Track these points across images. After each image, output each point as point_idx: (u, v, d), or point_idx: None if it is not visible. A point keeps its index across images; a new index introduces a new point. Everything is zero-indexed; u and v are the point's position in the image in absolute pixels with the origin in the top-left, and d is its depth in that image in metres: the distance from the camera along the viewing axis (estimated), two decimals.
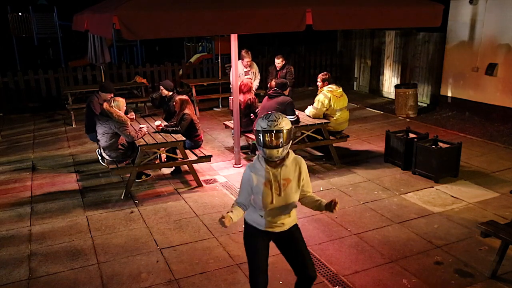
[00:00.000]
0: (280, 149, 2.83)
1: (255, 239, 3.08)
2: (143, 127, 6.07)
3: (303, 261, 3.04)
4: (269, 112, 2.94)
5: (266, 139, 2.82)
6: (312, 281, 3.06)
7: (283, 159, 2.93)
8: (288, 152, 2.95)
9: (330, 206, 2.86)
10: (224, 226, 2.85)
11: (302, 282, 3.10)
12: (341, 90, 6.84)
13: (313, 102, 6.83)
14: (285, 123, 2.85)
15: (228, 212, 2.95)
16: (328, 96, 6.68)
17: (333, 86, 6.77)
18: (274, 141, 2.82)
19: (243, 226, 3.20)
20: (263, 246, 3.07)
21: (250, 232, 3.11)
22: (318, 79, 6.94)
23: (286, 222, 3.03)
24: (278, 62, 8.40)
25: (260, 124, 2.87)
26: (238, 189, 3.10)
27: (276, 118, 2.85)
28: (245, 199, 3.04)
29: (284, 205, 2.95)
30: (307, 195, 3.07)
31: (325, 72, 7.06)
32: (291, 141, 2.92)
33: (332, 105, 6.68)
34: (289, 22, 5.11)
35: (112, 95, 6.77)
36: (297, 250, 3.06)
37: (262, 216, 2.99)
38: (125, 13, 4.35)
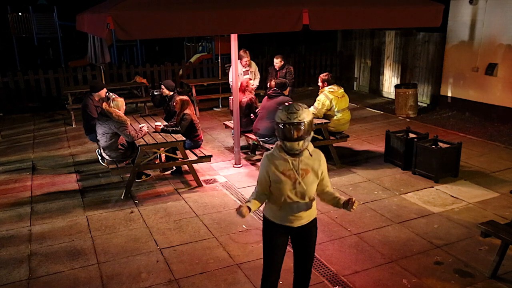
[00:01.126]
0: (301, 142, 2.77)
1: (273, 237, 3.03)
2: (143, 126, 6.08)
3: (307, 260, 3.10)
4: (289, 103, 2.86)
5: (287, 131, 2.75)
6: (308, 274, 3.12)
7: (303, 150, 2.87)
8: (308, 143, 2.89)
9: (348, 205, 2.84)
10: (242, 216, 2.79)
11: (299, 277, 3.14)
12: (343, 90, 6.83)
13: (314, 102, 6.83)
14: (306, 114, 2.77)
15: (246, 202, 2.92)
16: (329, 97, 6.66)
17: (334, 87, 6.76)
18: (295, 133, 2.74)
19: (261, 222, 3.16)
20: (280, 246, 3.04)
21: (269, 228, 3.05)
22: (319, 80, 6.94)
23: (305, 215, 2.96)
24: (277, 62, 8.39)
25: (280, 116, 2.79)
26: (254, 183, 3.02)
27: (296, 109, 2.75)
28: (264, 188, 2.97)
29: (302, 196, 2.89)
30: (325, 190, 3.03)
31: (326, 73, 7.02)
32: (312, 132, 2.85)
33: (334, 106, 6.67)
34: (285, 22, 5.10)
35: (106, 90, 6.83)
36: (307, 250, 3.08)
37: (280, 209, 2.94)
38: (119, 13, 4.36)
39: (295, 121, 2.73)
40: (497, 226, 3.88)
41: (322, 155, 2.98)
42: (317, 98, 6.80)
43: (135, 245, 4.60)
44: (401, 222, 4.98)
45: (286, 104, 2.86)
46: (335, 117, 6.73)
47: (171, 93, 6.88)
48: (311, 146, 2.93)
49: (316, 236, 3.11)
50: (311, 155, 2.90)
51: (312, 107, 6.80)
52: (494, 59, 8.82)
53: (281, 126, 2.77)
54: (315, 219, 3.08)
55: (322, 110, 6.68)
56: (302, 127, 2.74)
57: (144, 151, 5.77)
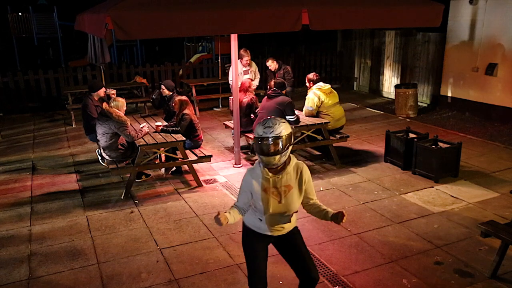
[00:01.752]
0: (278, 156, 2.70)
1: (253, 243, 3.02)
2: (144, 126, 6.08)
3: (304, 264, 3.00)
4: (267, 118, 2.82)
5: (263, 146, 2.70)
6: (315, 282, 3.04)
7: (284, 165, 2.82)
8: (290, 158, 2.84)
9: (337, 218, 2.78)
10: (219, 223, 2.74)
11: (305, 284, 3.07)
12: (329, 86, 6.90)
13: (304, 103, 6.90)
14: (283, 128, 2.72)
15: (225, 212, 2.86)
16: (317, 93, 6.74)
17: (320, 84, 6.84)
18: (272, 148, 2.68)
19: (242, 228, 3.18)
20: (261, 250, 3.02)
21: (248, 235, 3.04)
22: (306, 80, 7.05)
23: (286, 226, 2.97)
24: (269, 64, 8.39)
25: (257, 130, 2.75)
26: (238, 191, 3.05)
27: (273, 124, 2.71)
28: (244, 204, 2.94)
29: (285, 211, 2.87)
30: (310, 202, 2.97)
31: (313, 73, 7.11)
32: (290, 147, 2.79)
33: (324, 101, 6.71)
34: (285, 22, 5.10)
35: (105, 89, 6.86)
36: (297, 253, 3.02)
37: (261, 220, 2.93)
38: (118, 13, 4.36)
39: (271, 135, 2.69)
40: (497, 226, 3.88)
41: (305, 168, 2.92)
42: (306, 97, 6.89)
43: (135, 245, 4.60)
44: (401, 222, 4.98)
45: (262, 117, 2.85)
46: (329, 115, 6.75)
47: (171, 93, 6.90)
48: (293, 160, 2.88)
49: (301, 236, 3.07)
50: (293, 169, 2.85)
51: (304, 108, 6.85)
52: (494, 59, 8.82)
53: (258, 140, 2.74)
54: (295, 227, 3.07)
55: (314, 107, 6.72)
56: (279, 142, 2.69)
57: (144, 151, 5.77)
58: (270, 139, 2.69)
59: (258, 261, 3.01)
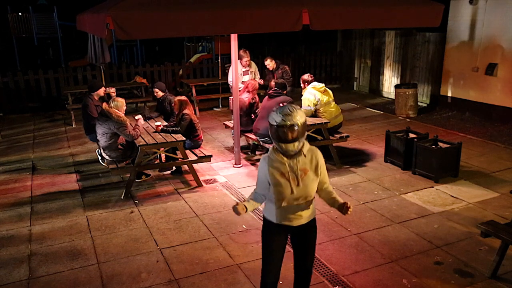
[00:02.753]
0: (296, 143, 2.77)
1: (272, 238, 3.03)
2: (139, 119, 6.07)
3: (306, 259, 3.09)
4: (283, 105, 2.85)
5: (281, 133, 2.74)
6: (309, 275, 3.12)
7: (299, 150, 2.86)
8: (303, 143, 2.88)
9: (343, 208, 2.85)
10: (237, 213, 2.82)
11: (300, 277, 3.15)
12: (324, 85, 6.92)
13: (301, 104, 6.93)
14: (300, 116, 2.77)
15: (244, 201, 2.93)
16: (313, 92, 6.77)
17: (315, 83, 6.88)
18: (290, 135, 2.73)
19: (261, 222, 3.16)
20: (279, 246, 3.04)
21: (267, 228, 3.05)
22: (301, 81, 7.09)
23: (304, 215, 2.96)
24: (268, 63, 8.41)
25: (274, 118, 2.77)
26: (256, 180, 3.04)
27: (290, 111, 2.74)
28: (263, 190, 2.97)
29: (303, 196, 2.88)
30: (324, 187, 3.03)
31: (307, 74, 7.15)
32: (306, 133, 2.85)
33: (320, 99, 6.74)
34: (285, 22, 5.11)
35: (104, 88, 6.87)
36: (306, 250, 3.07)
37: (279, 209, 2.93)
38: (118, 13, 4.36)
39: (289, 123, 2.72)
40: (497, 226, 3.88)
41: (319, 152, 2.97)
42: (302, 98, 6.93)
43: (135, 245, 4.60)
44: (401, 222, 4.98)
45: (280, 105, 2.85)
46: (326, 112, 6.76)
47: (164, 94, 6.97)
48: (306, 145, 2.92)
49: (315, 236, 3.10)
50: (305, 156, 2.89)
51: (302, 108, 6.86)
52: (494, 59, 8.81)
53: (275, 128, 2.77)
54: (314, 219, 3.07)
55: (312, 105, 6.73)
56: (297, 129, 2.74)
57: (144, 151, 5.76)
58: (290, 126, 2.73)
59: (273, 255, 3.05)
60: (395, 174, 6.38)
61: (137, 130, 5.92)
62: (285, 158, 2.85)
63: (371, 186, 5.98)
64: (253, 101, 6.92)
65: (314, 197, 3.01)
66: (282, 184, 2.84)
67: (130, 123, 5.95)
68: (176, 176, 6.46)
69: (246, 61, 8.26)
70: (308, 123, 6.56)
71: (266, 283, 3.11)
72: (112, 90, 6.95)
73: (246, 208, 2.90)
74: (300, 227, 2.99)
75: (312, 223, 3.05)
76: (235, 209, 2.82)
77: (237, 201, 2.86)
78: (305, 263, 3.10)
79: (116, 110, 5.79)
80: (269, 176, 2.87)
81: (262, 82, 8.47)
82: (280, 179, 2.84)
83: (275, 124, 2.77)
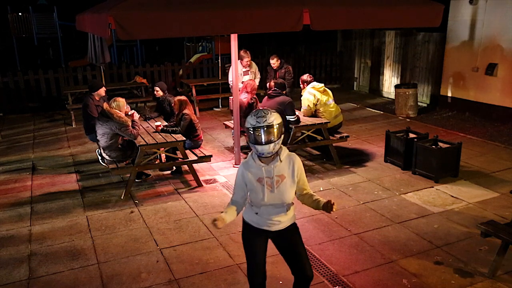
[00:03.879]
0: (272, 145, 2.79)
1: (252, 239, 3.06)
2: (133, 112, 6.05)
3: (300, 263, 3.03)
4: (257, 109, 2.91)
5: (257, 135, 2.79)
6: (309, 281, 3.07)
7: (276, 155, 2.89)
8: (281, 148, 2.92)
9: (327, 207, 2.83)
10: (217, 227, 2.81)
11: (299, 282, 3.11)
12: (323, 85, 6.92)
13: (301, 104, 6.93)
14: (275, 118, 2.81)
15: (221, 213, 2.93)
16: (312, 92, 6.78)
17: (314, 83, 6.88)
18: (265, 137, 2.78)
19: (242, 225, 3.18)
20: (260, 246, 3.06)
21: (247, 231, 3.09)
22: (300, 81, 7.10)
23: (283, 220, 2.99)
24: (273, 62, 8.40)
25: (249, 121, 2.84)
26: (233, 186, 3.08)
27: (265, 113, 2.80)
28: (240, 197, 3.01)
29: (278, 202, 2.92)
30: (304, 193, 3.03)
31: (307, 74, 7.16)
32: (282, 136, 2.88)
33: (320, 99, 6.75)
34: (286, 22, 5.11)
35: (105, 89, 6.87)
36: (294, 252, 3.05)
37: (257, 214, 2.97)
38: (120, 13, 4.36)
39: (264, 125, 2.77)
40: (497, 226, 3.88)
41: (297, 158, 2.98)
42: (301, 98, 6.93)
43: (135, 245, 4.60)
44: (401, 222, 4.98)
45: (255, 110, 2.90)
46: (326, 111, 6.77)
47: (164, 94, 6.99)
48: (285, 151, 2.95)
49: (299, 235, 3.09)
50: (285, 159, 2.92)
51: (302, 108, 6.87)
52: (494, 59, 8.81)
53: (250, 130, 2.81)
54: (294, 223, 3.09)
55: (311, 105, 6.73)
56: (272, 130, 2.78)
57: (144, 151, 5.77)
58: (264, 128, 2.77)
59: (256, 258, 3.06)
60: (395, 174, 6.38)
61: (136, 127, 5.92)
62: (262, 164, 2.88)
63: (371, 186, 5.98)
64: (252, 101, 6.91)
65: (293, 203, 3.03)
66: (259, 190, 2.88)
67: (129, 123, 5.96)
68: (176, 176, 6.46)
69: (247, 61, 8.26)
70: (308, 123, 6.65)
71: (254, 283, 3.11)
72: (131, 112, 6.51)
73: (225, 220, 2.87)
74: (279, 232, 3.02)
75: (291, 227, 3.06)
76: (214, 224, 2.80)
77: (215, 217, 2.84)
78: (300, 263, 3.03)
79: (117, 111, 5.78)
80: (247, 181, 2.92)
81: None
82: (257, 185, 2.89)
83: (250, 126, 2.82)
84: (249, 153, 3.00)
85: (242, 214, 3.12)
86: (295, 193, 3.02)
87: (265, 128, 2.77)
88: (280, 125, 2.84)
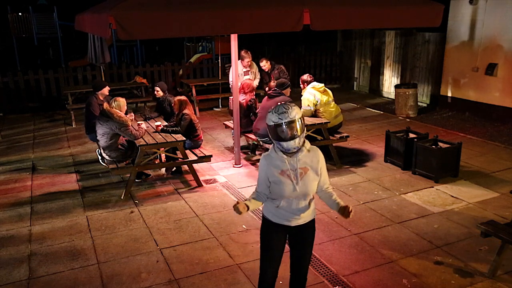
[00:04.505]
0: (297, 139, 2.77)
1: (270, 236, 3.03)
2: (141, 124, 6.08)
3: (302, 261, 3.07)
4: (278, 104, 2.85)
5: (280, 132, 2.75)
6: (302, 280, 3.12)
7: (300, 148, 2.86)
8: (304, 141, 2.89)
9: (344, 212, 2.82)
10: (238, 212, 2.79)
11: (294, 279, 3.16)
12: (323, 85, 6.93)
13: (301, 104, 6.94)
14: (296, 112, 2.77)
15: (245, 200, 2.91)
16: (312, 92, 6.79)
17: (314, 83, 6.89)
18: (289, 132, 2.74)
19: (260, 220, 3.15)
20: (277, 242, 3.03)
21: (266, 226, 3.05)
22: (300, 81, 7.10)
23: (304, 215, 2.96)
24: (263, 64, 8.40)
25: (271, 118, 2.79)
26: (254, 183, 3.08)
27: (286, 109, 2.76)
28: (264, 189, 2.96)
29: (302, 195, 2.89)
30: (324, 188, 3.01)
31: (307, 74, 7.17)
32: (305, 128, 2.85)
33: (320, 99, 6.75)
34: (286, 22, 5.10)
35: (109, 88, 6.89)
36: (303, 251, 3.06)
37: (278, 207, 2.94)
38: (120, 13, 4.37)
39: (286, 120, 2.74)
40: (497, 226, 3.88)
41: (320, 152, 2.97)
42: (302, 98, 6.93)
43: (135, 245, 4.60)
44: (401, 222, 4.98)
45: (274, 106, 2.86)
46: (326, 112, 6.77)
47: (164, 94, 6.99)
48: (307, 144, 2.92)
49: (313, 238, 3.09)
50: (308, 151, 2.90)
51: (302, 108, 6.87)
52: (494, 59, 8.81)
53: (273, 127, 2.78)
54: (313, 220, 3.07)
55: (311, 106, 6.73)
56: (294, 125, 2.75)
57: (144, 151, 5.76)
58: (287, 124, 2.74)
59: (271, 253, 3.05)
60: (395, 174, 6.38)
61: (141, 130, 5.92)
62: (285, 156, 2.85)
63: (371, 186, 5.98)
64: (251, 102, 6.91)
65: (313, 198, 3.01)
66: (282, 182, 2.85)
67: (132, 124, 5.96)
68: (176, 176, 6.46)
69: (248, 61, 8.26)
70: (308, 123, 6.66)
71: (264, 281, 3.12)
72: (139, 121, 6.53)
73: (248, 207, 2.87)
74: (298, 227, 2.99)
75: (310, 224, 3.04)
76: (236, 208, 2.80)
77: (237, 200, 2.83)
78: (300, 264, 3.08)
79: (118, 111, 5.78)
80: (269, 174, 2.88)
81: (256, 84, 8.43)
82: (280, 177, 2.85)
83: (272, 123, 2.78)
84: (271, 146, 2.96)
85: (262, 209, 3.09)
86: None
87: (288, 124, 2.73)
88: (302, 119, 2.81)
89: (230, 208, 5.34)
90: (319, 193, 3.05)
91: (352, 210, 2.82)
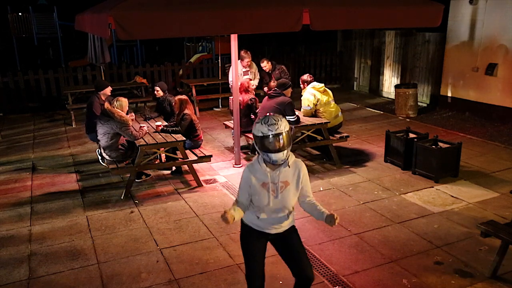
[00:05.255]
0: (285, 151, 2.80)
1: (251, 241, 3.05)
2: (143, 126, 6.09)
3: (300, 263, 3.03)
4: (266, 115, 2.86)
5: (268, 144, 2.77)
6: (309, 282, 3.05)
7: (285, 161, 2.87)
8: (290, 153, 2.91)
9: (331, 220, 2.82)
10: (227, 222, 2.79)
11: (300, 283, 3.09)
12: (323, 85, 6.93)
13: (301, 104, 6.93)
14: (284, 125, 2.80)
15: (230, 209, 2.90)
16: (312, 92, 6.79)
17: (314, 83, 6.89)
18: (277, 145, 2.76)
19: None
20: (259, 249, 3.05)
21: (246, 232, 3.08)
22: (300, 81, 7.11)
23: (283, 224, 3.00)
24: (264, 65, 8.40)
25: (260, 129, 2.80)
26: (238, 188, 3.07)
27: (275, 121, 2.78)
28: (245, 199, 2.99)
29: (281, 208, 2.92)
30: (306, 200, 3.02)
31: (307, 74, 7.18)
32: (292, 141, 2.88)
33: (320, 99, 6.76)
34: (285, 22, 5.10)
35: (111, 88, 6.89)
36: (293, 252, 3.04)
37: (258, 218, 2.97)
38: (120, 13, 4.36)
39: (276, 132, 2.75)
40: (497, 226, 3.88)
41: (303, 166, 2.98)
42: (302, 98, 6.93)
43: (135, 245, 4.60)
44: (401, 222, 4.98)
45: (261, 117, 2.87)
46: (326, 112, 6.77)
47: (164, 94, 6.99)
48: (292, 157, 2.94)
49: (298, 238, 3.08)
50: (289, 167, 2.89)
51: (302, 108, 6.87)
52: (494, 59, 8.81)
53: (261, 138, 2.79)
54: (293, 226, 3.09)
55: (312, 106, 6.74)
56: (282, 137, 2.77)
57: (144, 151, 5.76)
58: (276, 136, 2.76)
59: (256, 258, 3.04)
60: (395, 174, 6.38)
61: (141, 131, 5.92)
62: (268, 169, 2.87)
63: (371, 186, 5.98)
64: (251, 102, 6.91)
65: (293, 210, 3.03)
66: (262, 194, 2.88)
67: (133, 125, 5.95)
68: (176, 176, 6.46)
69: (247, 62, 8.26)
70: (308, 123, 6.65)
71: (253, 286, 3.08)
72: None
73: (234, 217, 2.86)
74: (278, 234, 3.02)
75: (290, 229, 3.06)
76: (224, 218, 2.78)
77: (224, 210, 2.83)
78: (301, 266, 3.03)
79: (119, 110, 5.78)
80: (251, 184, 2.90)
81: (256, 85, 8.42)
82: (260, 189, 2.88)
83: (261, 134, 2.79)
84: (255, 157, 2.99)
85: (242, 216, 3.08)
86: (298, 199, 3.02)
87: (277, 136, 2.76)
88: (289, 131, 2.85)
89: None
90: (302, 204, 3.06)
91: (338, 218, 2.82)
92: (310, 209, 3.02)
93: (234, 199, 3.04)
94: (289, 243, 3.05)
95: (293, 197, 2.95)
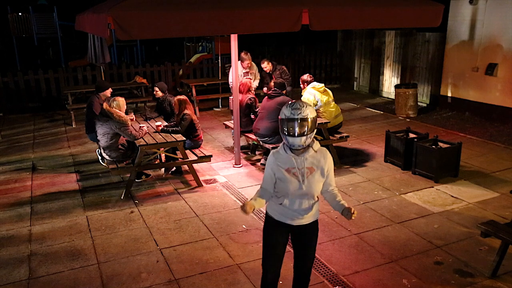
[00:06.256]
0: (304, 138, 2.79)
1: (272, 233, 3.04)
2: (143, 126, 6.09)
3: (305, 263, 3.09)
4: (294, 100, 2.89)
5: (290, 127, 2.79)
6: (305, 279, 3.12)
7: (308, 148, 2.87)
8: (314, 141, 2.91)
9: (347, 213, 2.82)
10: (246, 213, 2.80)
11: (297, 279, 3.17)
12: (323, 85, 6.94)
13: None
14: (310, 111, 2.80)
15: (250, 199, 2.92)
16: (312, 92, 6.80)
17: (314, 83, 6.90)
18: (298, 130, 2.77)
19: (261, 222, 3.17)
20: (280, 240, 3.05)
21: (269, 224, 3.06)
22: (300, 81, 7.11)
23: (306, 215, 2.97)
24: (265, 66, 8.39)
25: (284, 112, 2.84)
26: (254, 183, 3.07)
27: (300, 106, 2.80)
28: (269, 185, 2.97)
29: (306, 194, 2.89)
30: (329, 189, 3.01)
31: (307, 74, 7.19)
32: (315, 130, 2.87)
33: (320, 99, 6.77)
34: (285, 22, 5.10)
35: (111, 90, 6.90)
36: (306, 251, 3.07)
37: (281, 204, 2.95)
38: (119, 13, 4.36)
39: (298, 117, 2.77)
40: (497, 226, 3.88)
41: (329, 154, 2.98)
42: (301, 98, 6.95)
43: (135, 245, 4.60)
44: (401, 222, 4.98)
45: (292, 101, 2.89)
46: (326, 112, 6.78)
47: (164, 94, 6.99)
48: (317, 144, 2.93)
49: (316, 239, 3.10)
50: (316, 152, 2.90)
51: None
52: (494, 59, 8.81)
53: (284, 122, 2.82)
54: (316, 221, 3.07)
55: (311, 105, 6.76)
56: (305, 124, 2.77)
57: (144, 151, 5.76)
58: (297, 120, 2.78)
59: (273, 251, 3.06)
60: (395, 174, 6.38)
61: (141, 131, 5.91)
62: (293, 155, 2.87)
63: (371, 186, 5.98)
64: (250, 101, 6.91)
65: (318, 200, 3.01)
66: (287, 180, 2.86)
67: (133, 125, 5.95)
68: (176, 176, 6.46)
69: (247, 63, 8.25)
70: None
71: (266, 279, 3.12)
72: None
73: (254, 207, 2.88)
74: (301, 227, 3.00)
75: (313, 225, 3.05)
76: (243, 208, 2.80)
77: (239, 203, 2.83)
78: (304, 264, 3.10)
79: (117, 110, 5.78)
80: (275, 170, 2.90)
81: (256, 85, 8.42)
82: (286, 175, 2.87)
83: (284, 117, 2.82)
84: (281, 144, 3.00)
85: (266, 207, 3.09)
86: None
87: (299, 121, 2.77)
88: (315, 119, 2.84)
89: (230, 208, 5.34)
90: (324, 193, 3.05)
91: (355, 212, 2.83)
92: (330, 199, 3.02)
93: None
94: (307, 241, 3.05)
95: (318, 184, 2.92)
